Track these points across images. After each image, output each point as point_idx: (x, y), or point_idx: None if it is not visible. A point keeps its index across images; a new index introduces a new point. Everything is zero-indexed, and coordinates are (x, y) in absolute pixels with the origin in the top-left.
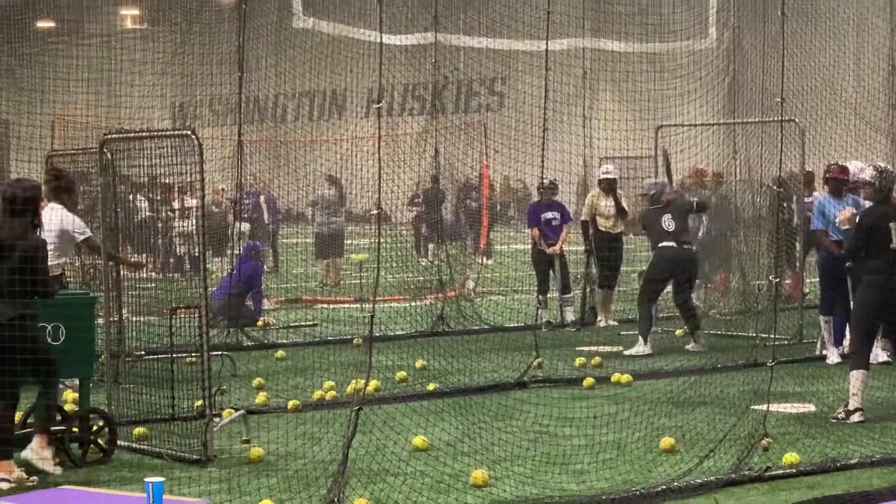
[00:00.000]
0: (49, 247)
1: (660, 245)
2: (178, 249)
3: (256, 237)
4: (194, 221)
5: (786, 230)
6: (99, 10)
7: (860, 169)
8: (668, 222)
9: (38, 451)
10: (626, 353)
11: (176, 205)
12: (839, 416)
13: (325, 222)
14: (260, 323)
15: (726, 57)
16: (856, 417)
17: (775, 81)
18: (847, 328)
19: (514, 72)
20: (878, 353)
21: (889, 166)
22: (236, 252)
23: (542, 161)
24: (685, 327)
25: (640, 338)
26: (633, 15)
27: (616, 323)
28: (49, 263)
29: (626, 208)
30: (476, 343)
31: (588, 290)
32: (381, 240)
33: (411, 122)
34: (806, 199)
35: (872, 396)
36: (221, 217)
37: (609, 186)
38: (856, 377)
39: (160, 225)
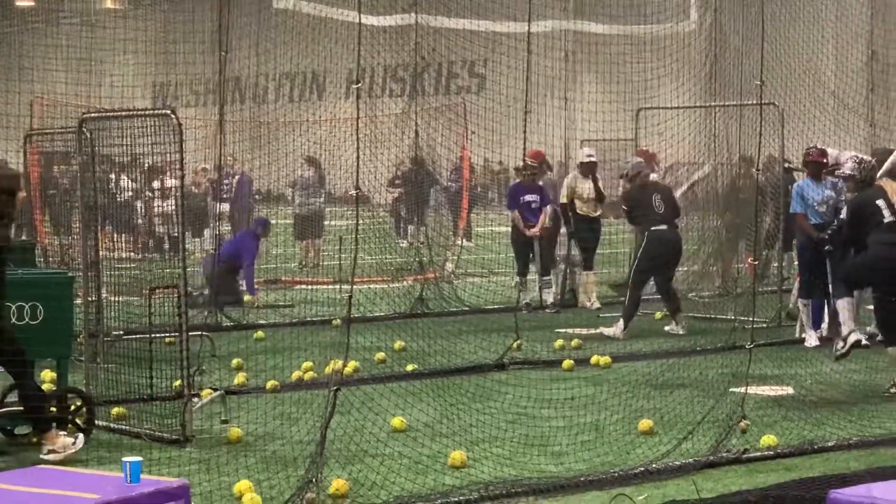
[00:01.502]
0: None
1: (652, 229)
2: (157, 229)
3: (234, 218)
4: (174, 202)
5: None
6: None
7: (835, 157)
8: (658, 203)
9: (56, 447)
10: (601, 330)
11: (156, 185)
12: (839, 347)
13: (304, 203)
14: (250, 299)
15: (707, 40)
16: (853, 337)
17: (755, 65)
18: (825, 311)
19: (495, 54)
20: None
21: (865, 156)
22: (215, 233)
23: (524, 143)
24: (664, 310)
25: (621, 320)
26: None
27: (600, 305)
28: None
29: (603, 192)
30: (455, 325)
31: (568, 272)
32: (360, 221)
33: (391, 104)
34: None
35: (850, 379)
36: (202, 198)
37: (588, 169)
38: (843, 303)
39: (140, 205)
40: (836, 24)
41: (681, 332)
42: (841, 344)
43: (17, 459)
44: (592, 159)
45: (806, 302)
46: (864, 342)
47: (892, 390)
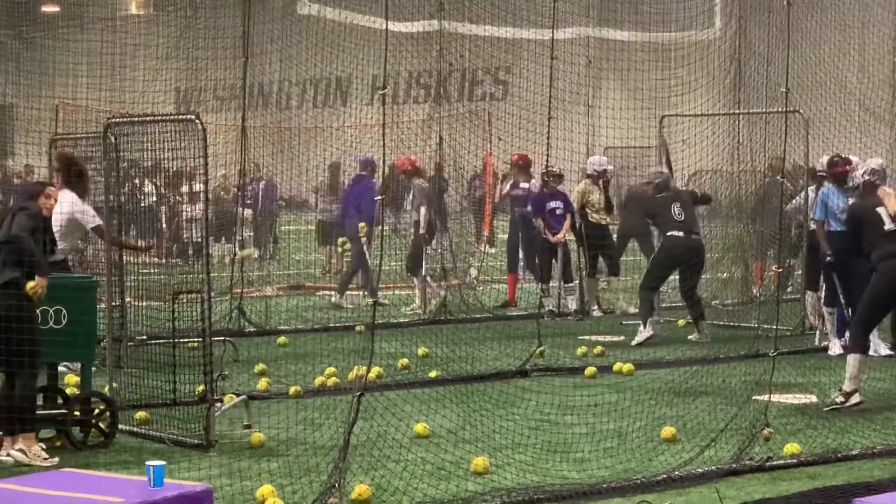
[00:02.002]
0: (56, 233)
1: (668, 234)
2: (185, 235)
3: (258, 224)
4: (198, 206)
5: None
6: None
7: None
8: (677, 211)
9: (27, 451)
10: (633, 343)
11: (185, 189)
12: (837, 399)
13: (327, 209)
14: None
15: (731, 47)
16: (855, 399)
17: (780, 72)
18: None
19: (519, 60)
20: (880, 346)
21: (874, 164)
22: (238, 238)
23: (548, 150)
24: (688, 317)
25: (641, 324)
26: (638, 4)
27: (602, 314)
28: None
29: (612, 200)
30: (478, 331)
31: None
32: (385, 227)
33: (416, 110)
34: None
35: (874, 388)
36: (230, 204)
37: (602, 178)
38: (855, 359)
39: (164, 210)
40: (862, 31)
41: (703, 341)
42: (840, 399)
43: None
44: (603, 167)
45: (831, 310)
46: (885, 352)
47: None
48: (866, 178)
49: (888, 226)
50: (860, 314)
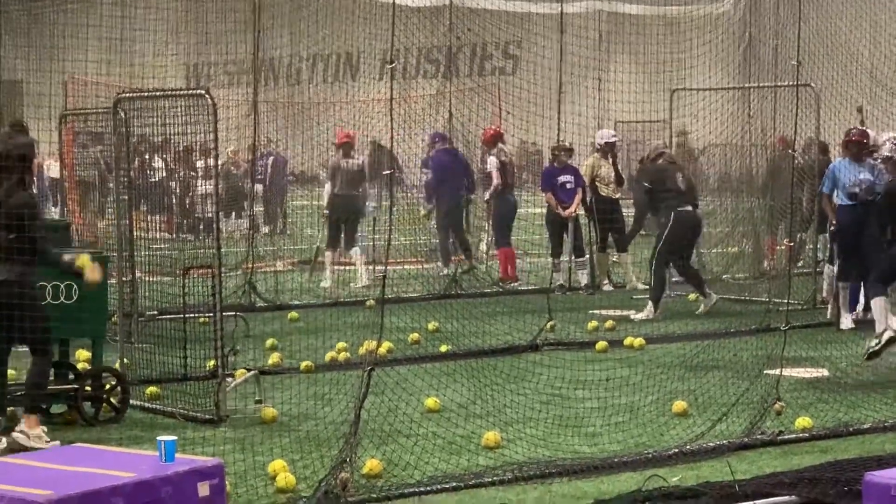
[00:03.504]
0: None
1: (679, 209)
2: (198, 210)
3: (268, 199)
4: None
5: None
6: None
7: (873, 139)
8: (682, 182)
9: (28, 432)
10: (633, 317)
11: (200, 164)
12: (872, 344)
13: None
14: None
15: (742, 20)
16: (889, 334)
17: (791, 45)
18: (861, 294)
19: (529, 34)
20: (893, 321)
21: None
22: (250, 213)
23: (558, 124)
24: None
25: (649, 303)
26: None
27: (613, 288)
28: None
29: (622, 173)
30: (489, 306)
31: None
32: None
33: (425, 85)
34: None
35: (886, 362)
36: (240, 178)
37: (610, 150)
38: (877, 302)
39: (174, 185)
40: (874, 3)
41: (713, 302)
42: (875, 341)
43: (53, 438)
44: (612, 140)
45: (844, 285)
46: None
47: None
48: (893, 153)
49: None
50: (883, 270)
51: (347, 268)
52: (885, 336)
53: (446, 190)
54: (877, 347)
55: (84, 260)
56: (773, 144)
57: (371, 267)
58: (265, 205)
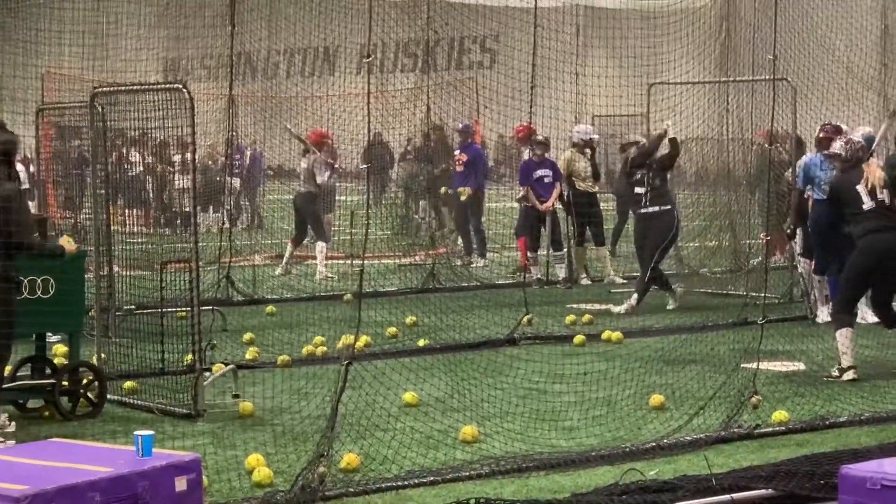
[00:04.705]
0: None
1: (668, 208)
2: (176, 204)
3: (246, 193)
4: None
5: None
6: None
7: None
8: (666, 182)
9: None
10: (614, 310)
11: (177, 159)
12: (833, 374)
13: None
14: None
15: (720, 15)
16: (849, 375)
17: (768, 39)
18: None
19: (507, 28)
20: (867, 313)
21: (857, 138)
22: (227, 208)
23: (530, 118)
24: (677, 286)
25: (634, 294)
26: None
27: (591, 282)
28: None
29: (598, 168)
30: (466, 300)
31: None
32: (371, 196)
33: (403, 79)
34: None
35: (862, 355)
36: (218, 173)
37: (587, 146)
38: (844, 335)
39: (151, 179)
40: None
41: (679, 294)
42: (836, 372)
43: (29, 433)
44: (588, 136)
45: (820, 278)
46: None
47: None
48: (840, 150)
49: (867, 205)
50: (842, 290)
51: (310, 262)
52: (848, 375)
53: (476, 181)
54: (835, 378)
55: (65, 239)
56: (759, 140)
57: (350, 261)
58: (242, 199)
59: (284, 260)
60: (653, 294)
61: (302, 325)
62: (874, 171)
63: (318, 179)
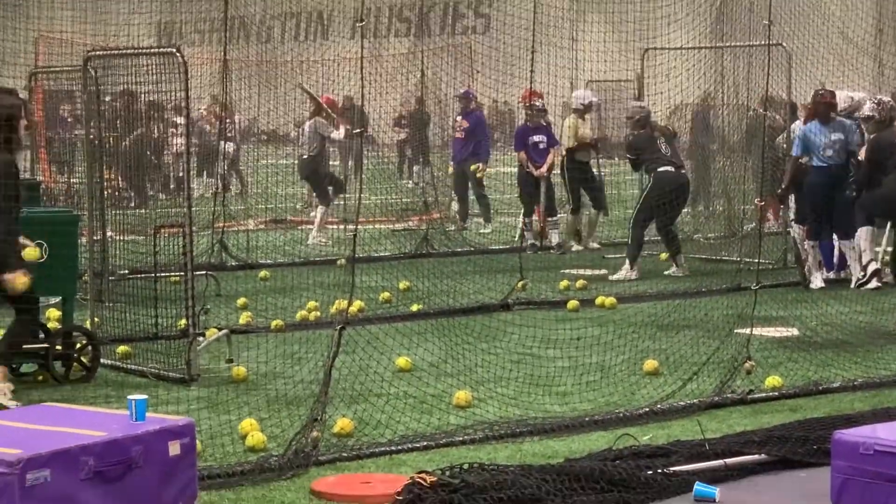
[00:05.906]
0: None
1: (659, 170)
2: (175, 167)
3: (237, 158)
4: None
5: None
6: None
7: (844, 99)
8: (664, 147)
9: None
10: (612, 278)
11: (180, 121)
12: (859, 276)
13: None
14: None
15: None
16: (872, 266)
17: (763, 4)
18: (833, 254)
19: None
20: (816, 279)
21: (884, 97)
22: (221, 172)
23: (531, 84)
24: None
25: (627, 262)
26: None
27: (595, 246)
28: None
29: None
30: (460, 265)
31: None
32: (365, 161)
33: (396, 44)
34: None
35: (855, 321)
36: (212, 136)
37: (587, 111)
38: (863, 232)
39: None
40: None
41: (681, 275)
42: (861, 273)
43: (23, 397)
44: (589, 100)
45: (814, 244)
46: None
47: None
48: (873, 112)
49: None
50: (866, 207)
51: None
52: (871, 268)
53: (482, 148)
54: (864, 279)
55: (29, 253)
56: (755, 106)
57: (343, 226)
58: (233, 163)
59: (315, 226)
60: (646, 259)
61: (295, 289)
62: None
63: (335, 135)
